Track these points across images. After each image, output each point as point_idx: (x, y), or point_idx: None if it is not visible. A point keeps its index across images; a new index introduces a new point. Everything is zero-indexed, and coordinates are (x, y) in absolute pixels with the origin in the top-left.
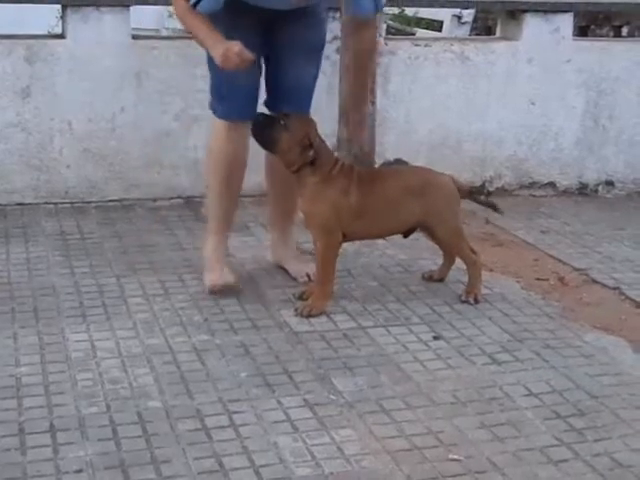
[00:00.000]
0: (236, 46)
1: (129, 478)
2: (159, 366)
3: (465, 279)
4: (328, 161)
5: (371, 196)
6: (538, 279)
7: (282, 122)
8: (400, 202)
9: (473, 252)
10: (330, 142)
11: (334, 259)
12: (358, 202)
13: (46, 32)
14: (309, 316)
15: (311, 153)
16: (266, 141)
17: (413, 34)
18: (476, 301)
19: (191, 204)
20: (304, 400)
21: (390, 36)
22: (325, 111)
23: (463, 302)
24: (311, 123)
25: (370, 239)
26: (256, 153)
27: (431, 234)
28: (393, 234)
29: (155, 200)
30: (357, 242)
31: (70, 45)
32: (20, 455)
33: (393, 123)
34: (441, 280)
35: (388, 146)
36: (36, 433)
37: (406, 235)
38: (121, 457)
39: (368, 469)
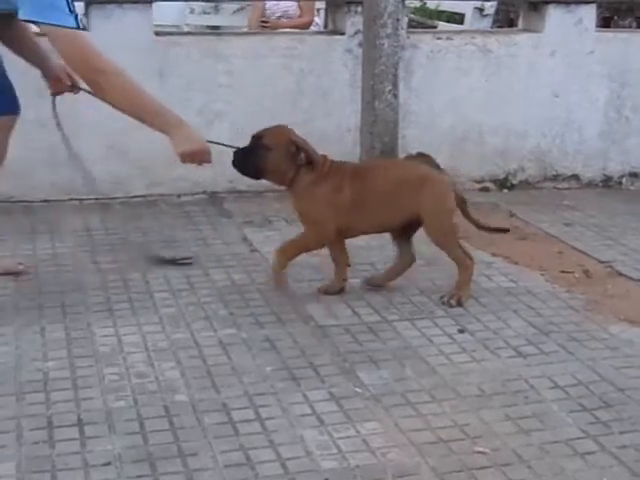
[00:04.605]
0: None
1: (156, 471)
2: (185, 360)
3: (488, 272)
4: (318, 159)
5: (365, 190)
6: (563, 272)
7: (260, 144)
8: (394, 196)
9: (467, 256)
10: (354, 135)
11: (307, 249)
12: (352, 197)
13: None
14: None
15: (302, 156)
16: (255, 171)
17: (434, 27)
18: (459, 304)
19: (215, 199)
20: (330, 393)
21: (412, 29)
22: (348, 104)
23: (443, 304)
24: (287, 129)
25: (367, 234)
26: None
27: (425, 232)
28: (389, 229)
29: (179, 196)
30: (381, 236)
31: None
32: (48, 448)
33: (415, 116)
34: (381, 285)
35: (411, 139)
36: (64, 426)
37: (407, 234)
38: (148, 450)
39: (394, 462)
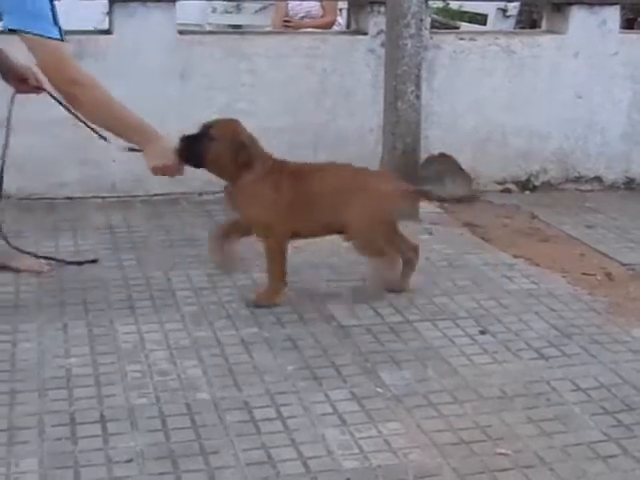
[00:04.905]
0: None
1: (178, 469)
2: (207, 358)
3: (510, 273)
4: (262, 158)
5: (302, 192)
6: (584, 274)
7: (207, 133)
8: (329, 201)
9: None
10: (376, 136)
11: (281, 255)
12: (290, 198)
13: (92, 28)
14: (257, 306)
15: (245, 153)
16: (197, 159)
17: (457, 28)
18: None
19: None
20: (351, 393)
21: (434, 30)
22: (370, 105)
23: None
24: (236, 124)
25: (313, 237)
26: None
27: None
28: (332, 232)
29: (200, 194)
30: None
31: (117, 41)
32: (71, 444)
33: (438, 117)
34: (402, 290)
35: (433, 140)
36: (86, 423)
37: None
38: (170, 448)
39: (416, 462)
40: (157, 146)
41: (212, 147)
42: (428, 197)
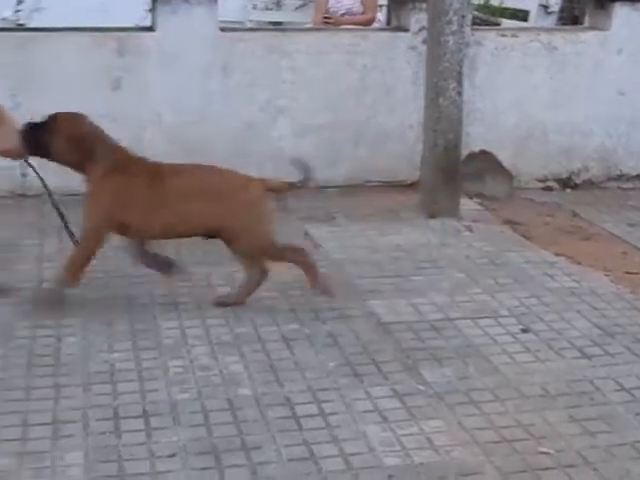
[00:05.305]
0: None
1: (221, 464)
2: (248, 354)
3: (551, 272)
4: (109, 152)
5: (159, 192)
6: (627, 272)
7: (47, 126)
8: (193, 202)
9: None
10: (416, 132)
11: (90, 251)
12: (147, 197)
13: (134, 24)
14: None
15: (87, 145)
16: (37, 149)
17: (498, 24)
18: (225, 305)
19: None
20: (392, 390)
21: (476, 26)
22: (411, 101)
23: (217, 304)
24: (79, 117)
25: (165, 238)
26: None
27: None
28: (188, 235)
29: None
30: (443, 235)
31: (159, 38)
32: (115, 438)
33: (479, 114)
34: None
35: (474, 137)
36: (130, 417)
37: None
38: (212, 443)
39: (458, 460)
40: (1, 129)
41: (54, 140)
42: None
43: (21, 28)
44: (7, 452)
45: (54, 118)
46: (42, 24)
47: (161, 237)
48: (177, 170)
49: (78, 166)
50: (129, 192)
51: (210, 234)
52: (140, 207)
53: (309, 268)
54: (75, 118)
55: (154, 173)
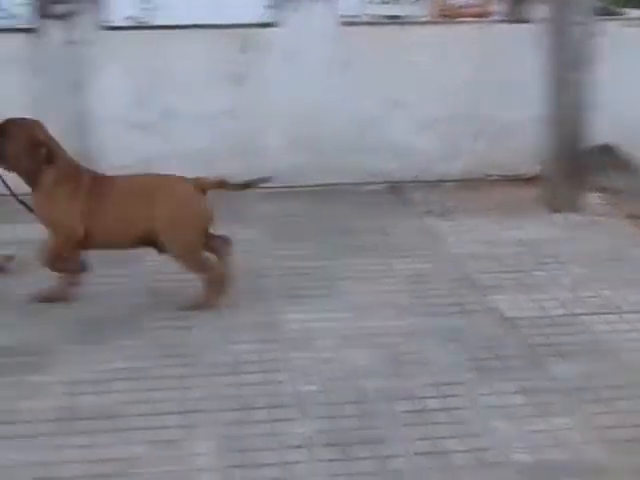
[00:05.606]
0: None
1: (348, 456)
2: (373, 347)
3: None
4: (64, 160)
5: (99, 201)
6: None
7: (2, 129)
8: (126, 210)
9: (211, 268)
10: (538, 125)
11: (57, 258)
12: (87, 206)
13: (251, 21)
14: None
15: (43, 151)
16: None
17: (621, 14)
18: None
19: (395, 189)
20: (519, 386)
21: (599, 17)
22: (532, 94)
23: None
24: (35, 123)
25: (108, 248)
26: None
27: (162, 247)
28: (127, 244)
29: (359, 184)
30: (565, 229)
31: (281, 33)
32: (242, 429)
33: (602, 106)
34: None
35: (598, 130)
36: (256, 409)
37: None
38: (339, 435)
39: (590, 459)
40: None
41: (6, 145)
42: (234, 188)
43: (147, 26)
44: (140, 440)
45: (10, 123)
46: (165, 22)
47: (103, 246)
48: (115, 180)
49: (31, 172)
50: (75, 201)
51: (148, 241)
52: (84, 215)
53: (216, 287)
54: (31, 124)
55: (96, 183)
